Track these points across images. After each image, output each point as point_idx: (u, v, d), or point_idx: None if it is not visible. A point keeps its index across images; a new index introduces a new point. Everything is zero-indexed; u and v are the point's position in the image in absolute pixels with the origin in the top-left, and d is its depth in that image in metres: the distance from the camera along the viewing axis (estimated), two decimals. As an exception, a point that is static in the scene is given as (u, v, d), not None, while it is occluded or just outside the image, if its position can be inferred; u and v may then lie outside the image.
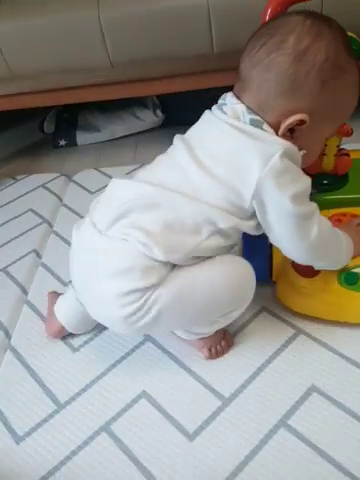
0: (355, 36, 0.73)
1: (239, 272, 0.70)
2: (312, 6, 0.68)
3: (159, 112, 1.52)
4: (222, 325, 0.75)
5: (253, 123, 0.64)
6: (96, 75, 1.24)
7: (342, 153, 0.83)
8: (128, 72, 1.24)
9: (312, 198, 0.66)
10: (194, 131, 0.71)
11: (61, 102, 1.45)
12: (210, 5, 1.08)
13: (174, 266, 0.66)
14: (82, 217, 0.73)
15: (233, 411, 0.71)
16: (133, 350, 0.82)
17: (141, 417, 0.72)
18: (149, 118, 1.51)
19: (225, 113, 0.66)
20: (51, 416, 0.74)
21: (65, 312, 0.82)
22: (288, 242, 0.68)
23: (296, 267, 0.79)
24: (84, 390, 0.77)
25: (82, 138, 1.52)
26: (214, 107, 0.69)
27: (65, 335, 0.85)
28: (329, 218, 0.80)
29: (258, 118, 0.64)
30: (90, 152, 1.48)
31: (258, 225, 0.67)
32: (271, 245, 0.78)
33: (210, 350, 0.77)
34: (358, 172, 0.86)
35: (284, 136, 0.64)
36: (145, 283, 0.63)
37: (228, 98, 0.67)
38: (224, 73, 1.12)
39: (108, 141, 1.51)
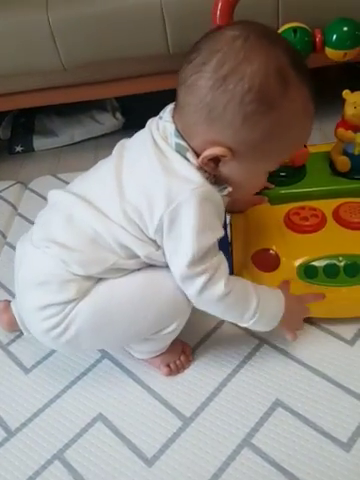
0: (306, 27, 0.73)
1: (161, 284, 0.64)
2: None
3: (119, 115, 1.47)
4: (161, 344, 0.71)
5: (178, 148, 0.58)
6: (49, 78, 1.20)
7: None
8: (82, 75, 1.20)
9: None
10: (134, 141, 0.66)
11: (15, 106, 1.40)
12: (163, 5, 1.04)
13: (100, 279, 0.64)
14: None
15: (194, 432, 0.67)
16: (89, 369, 0.77)
17: (97, 442, 0.68)
18: (109, 121, 1.46)
19: (158, 129, 0.61)
20: (0, 445, 0.69)
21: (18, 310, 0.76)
22: None
23: (255, 261, 0.78)
24: (36, 415, 0.72)
25: (39, 143, 1.45)
26: (156, 118, 0.64)
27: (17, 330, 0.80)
28: (287, 212, 0.81)
29: (183, 144, 0.58)
30: (48, 158, 1.42)
31: None
32: (231, 242, 0.81)
33: (169, 366, 0.73)
34: (315, 165, 0.86)
35: (206, 166, 0.58)
36: (63, 297, 0.62)
37: (166, 113, 0.62)
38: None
39: (67, 146, 1.45)
